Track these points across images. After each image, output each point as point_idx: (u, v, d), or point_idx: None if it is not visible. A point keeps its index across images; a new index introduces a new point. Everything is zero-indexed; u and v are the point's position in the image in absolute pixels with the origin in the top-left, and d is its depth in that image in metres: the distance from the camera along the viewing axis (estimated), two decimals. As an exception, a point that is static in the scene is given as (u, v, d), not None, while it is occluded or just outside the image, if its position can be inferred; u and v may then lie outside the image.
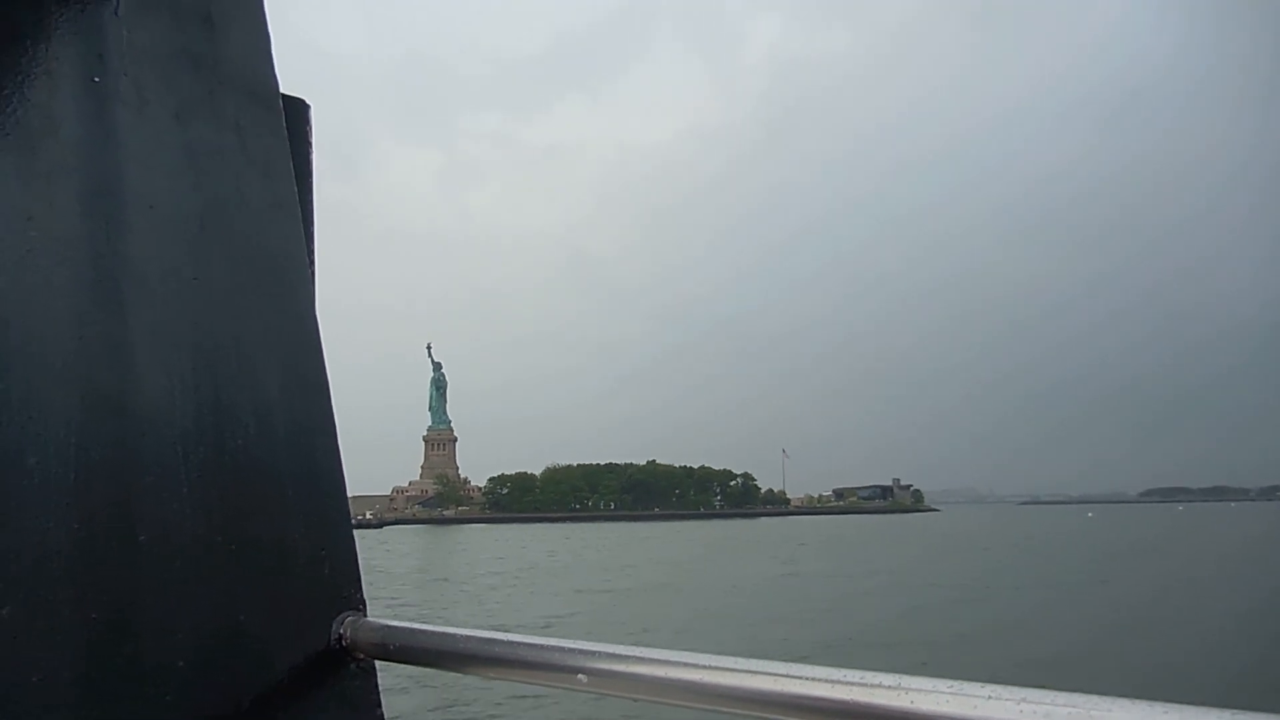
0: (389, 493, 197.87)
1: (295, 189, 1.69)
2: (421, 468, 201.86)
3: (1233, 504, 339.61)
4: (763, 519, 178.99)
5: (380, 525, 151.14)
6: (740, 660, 0.95)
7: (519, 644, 1.18)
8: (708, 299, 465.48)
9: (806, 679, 0.87)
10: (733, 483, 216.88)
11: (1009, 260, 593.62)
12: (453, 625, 1.33)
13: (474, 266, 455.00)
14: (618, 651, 1.07)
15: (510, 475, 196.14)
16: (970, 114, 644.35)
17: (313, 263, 1.74)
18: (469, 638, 1.25)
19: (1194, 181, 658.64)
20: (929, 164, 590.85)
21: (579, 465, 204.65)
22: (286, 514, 1.48)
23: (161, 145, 1.48)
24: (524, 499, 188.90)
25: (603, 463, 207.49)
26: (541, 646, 1.15)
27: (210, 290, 1.48)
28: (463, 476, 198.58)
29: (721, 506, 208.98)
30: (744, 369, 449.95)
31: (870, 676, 0.83)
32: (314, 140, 1.87)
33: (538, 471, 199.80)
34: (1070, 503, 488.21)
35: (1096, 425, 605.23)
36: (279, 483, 1.48)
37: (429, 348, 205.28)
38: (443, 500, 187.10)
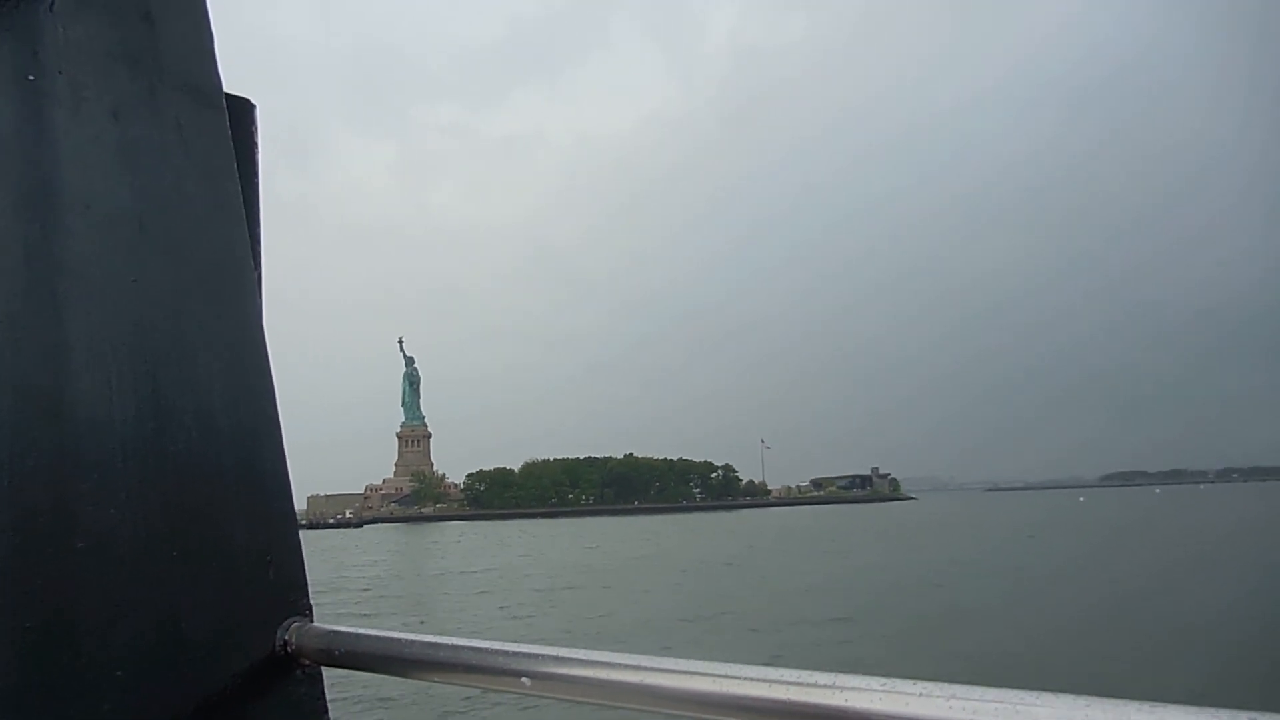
0: (362, 491, 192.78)
1: (239, 189, 1.66)
2: (395, 465, 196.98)
3: (1202, 486, 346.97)
4: (744, 510, 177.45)
5: (360, 524, 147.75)
6: (680, 661, 0.96)
7: (463, 647, 1.18)
8: (672, 289, 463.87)
9: (745, 679, 0.89)
10: (714, 474, 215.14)
11: (972, 248, 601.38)
12: (398, 630, 1.32)
13: (435, 260, 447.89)
14: (560, 654, 1.07)
15: (489, 471, 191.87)
16: (935, 99, 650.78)
17: (259, 264, 1.71)
18: (413, 642, 1.24)
19: (1161, 169, 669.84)
20: (893, 151, 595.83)
21: (557, 459, 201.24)
22: (230, 518, 1.45)
23: (99, 144, 1.45)
24: (504, 495, 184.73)
25: (581, 456, 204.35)
26: (485, 650, 1.16)
27: (150, 292, 1.45)
28: (439, 472, 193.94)
29: (701, 499, 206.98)
30: (711, 359, 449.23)
31: (806, 675, 0.85)
32: (260, 140, 1.83)
33: (509, 465, 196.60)
34: (1031, 489, 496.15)
35: (1055, 413, 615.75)
36: (222, 487, 1.46)
37: (400, 342, 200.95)
38: (420, 497, 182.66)
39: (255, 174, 1.78)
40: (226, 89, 1.69)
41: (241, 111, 1.76)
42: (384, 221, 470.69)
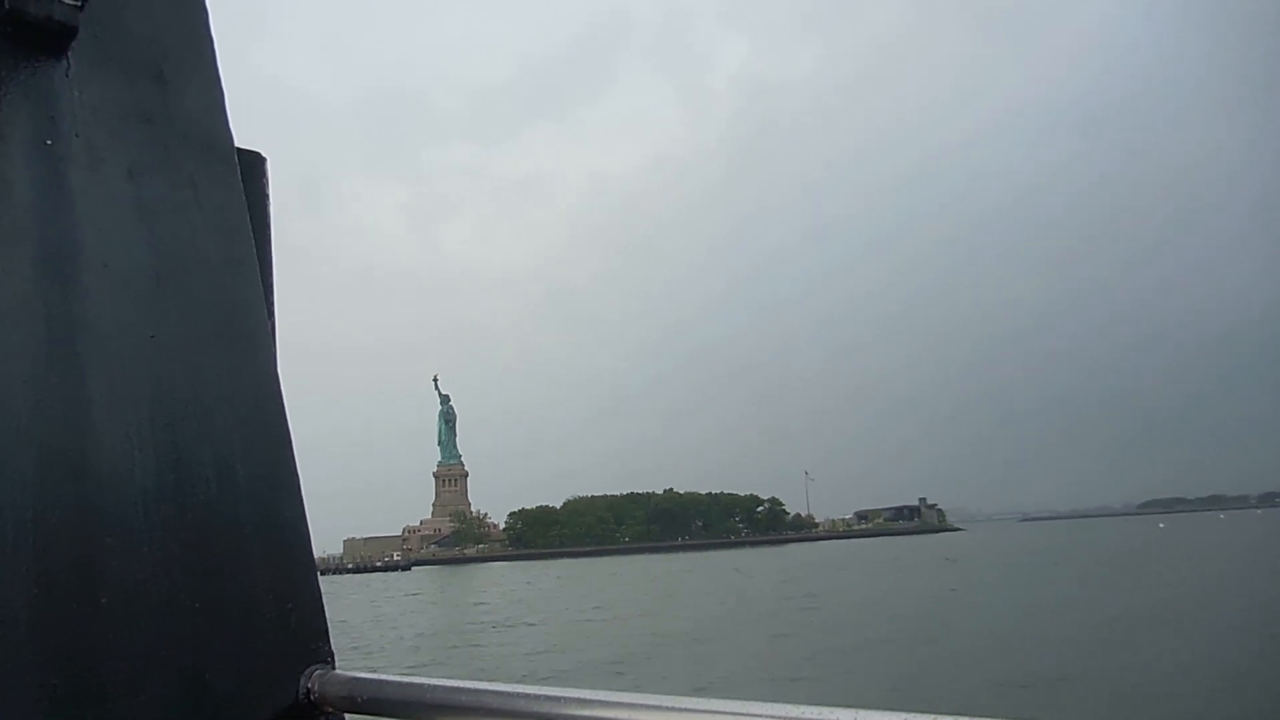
0: (400, 533, 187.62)
1: (253, 243, 1.70)
2: (434, 505, 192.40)
3: (1259, 511, 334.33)
4: (792, 545, 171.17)
5: (408, 567, 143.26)
6: (704, 701, 0.96)
7: (485, 691, 1.18)
8: (687, 325, 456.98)
9: (768, 717, 0.90)
10: (759, 508, 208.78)
11: (990, 275, 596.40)
12: (421, 675, 1.32)
13: (450, 301, 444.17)
14: (584, 696, 1.07)
15: (531, 510, 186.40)
16: (948, 129, 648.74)
17: (273, 315, 1.75)
18: (436, 687, 1.25)
19: (1181, 190, 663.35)
20: (910, 180, 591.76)
21: (600, 496, 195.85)
22: (251, 569, 1.47)
23: (115, 204, 1.48)
24: (547, 534, 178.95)
25: (621, 493, 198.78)
26: (508, 694, 1.16)
27: (168, 347, 1.48)
28: (478, 512, 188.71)
29: (746, 533, 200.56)
30: (731, 394, 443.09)
31: (828, 712, 0.87)
32: (271, 192, 1.88)
33: (541, 504, 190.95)
34: (1061, 518, 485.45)
35: (1081, 440, 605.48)
36: (242, 538, 1.48)
37: (435, 380, 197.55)
38: (460, 538, 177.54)
39: (267, 226, 1.83)
40: (238, 143, 1.74)
41: (253, 165, 1.81)
42: (399, 263, 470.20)
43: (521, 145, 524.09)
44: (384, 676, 1.37)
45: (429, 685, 1.26)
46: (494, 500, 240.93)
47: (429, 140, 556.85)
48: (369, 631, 39.80)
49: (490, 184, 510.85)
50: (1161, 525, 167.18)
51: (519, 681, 1.14)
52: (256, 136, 1.77)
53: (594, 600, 52.23)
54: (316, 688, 1.45)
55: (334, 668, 1.51)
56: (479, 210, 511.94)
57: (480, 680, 1.22)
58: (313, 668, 1.48)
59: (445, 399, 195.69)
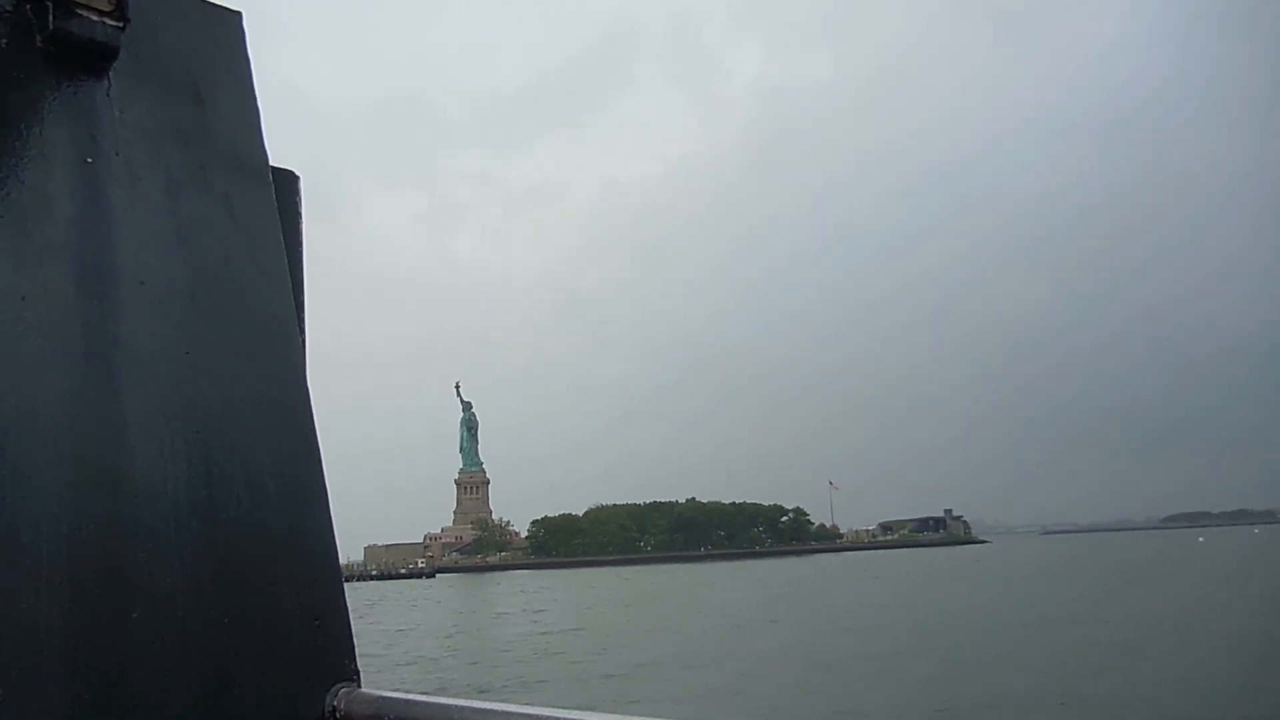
0: (421, 540, 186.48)
1: (285, 259, 1.73)
2: (455, 512, 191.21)
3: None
4: (817, 555, 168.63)
5: (433, 574, 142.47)
6: None
7: (514, 713, 1.18)
8: (703, 332, 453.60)
9: None
10: (784, 518, 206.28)
11: (1003, 284, 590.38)
12: (448, 695, 1.30)
13: (464, 309, 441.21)
14: None
15: (554, 518, 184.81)
16: (965, 136, 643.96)
17: (303, 329, 1.77)
18: (464, 708, 1.25)
19: (1194, 196, 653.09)
20: (921, 190, 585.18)
21: (622, 505, 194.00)
22: (279, 585, 1.48)
23: (152, 221, 1.51)
24: (570, 543, 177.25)
25: (642, 502, 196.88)
26: (537, 716, 1.15)
27: (201, 363, 1.51)
28: (500, 520, 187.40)
29: (770, 543, 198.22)
30: (747, 401, 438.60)
31: None
32: (304, 210, 1.92)
33: (559, 512, 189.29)
34: (1081, 531, 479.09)
35: (1095, 452, 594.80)
36: (271, 553, 1.49)
37: (457, 386, 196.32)
38: (482, 546, 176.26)
39: (299, 243, 1.87)
40: (272, 161, 1.78)
41: (286, 183, 1.85)
42: (412, 271, 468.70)
43: (535, 152, 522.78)
44: (411, 696, 1.37)
45: (457, 706, 1.26)
46: (509, 507, 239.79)
47: (442, 148, 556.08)
48: (422, 642, 38.29)
49: (504, 191, 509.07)
50: (1201, 539, 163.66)
51: (556, 705, 1.17)
52: (269, 142, 1.80)
53: (644, 611, 50.44)
54: (343, 706, 1.45)
55: (360, 685, 1.51)
56: (492, 217, 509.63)
57: (511, 702, 1.21)
58: (339, 685, 1.48)
59: (467, 406, 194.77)
